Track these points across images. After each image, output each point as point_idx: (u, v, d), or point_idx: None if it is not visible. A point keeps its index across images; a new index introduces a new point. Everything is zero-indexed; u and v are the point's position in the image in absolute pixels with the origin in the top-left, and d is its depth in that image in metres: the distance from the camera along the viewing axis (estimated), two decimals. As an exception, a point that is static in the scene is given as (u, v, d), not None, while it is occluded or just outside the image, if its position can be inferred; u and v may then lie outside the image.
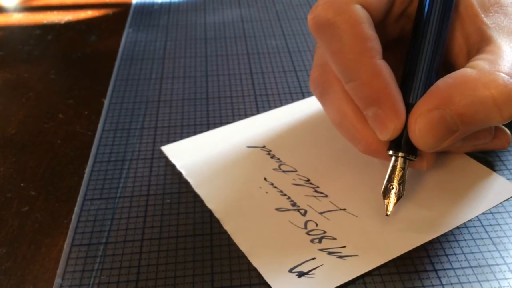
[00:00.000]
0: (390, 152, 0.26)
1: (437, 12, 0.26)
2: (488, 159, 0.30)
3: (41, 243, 0.27)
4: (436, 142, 0.25)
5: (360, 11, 0.25)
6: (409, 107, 0.25)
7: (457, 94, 0.24)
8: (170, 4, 0.53)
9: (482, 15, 0.26)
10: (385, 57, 0.26)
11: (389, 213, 0.26)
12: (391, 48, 0.28)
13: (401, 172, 0.26)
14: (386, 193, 0.26)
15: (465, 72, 0.24)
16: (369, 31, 0.25)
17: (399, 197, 0.26)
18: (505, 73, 0.24)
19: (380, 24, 0.27)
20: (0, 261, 0.26)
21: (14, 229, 0.28)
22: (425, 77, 0.26)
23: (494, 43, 0.25)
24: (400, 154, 0.26)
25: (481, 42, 0.26)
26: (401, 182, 0.26)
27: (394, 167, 0.26)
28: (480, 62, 0.24)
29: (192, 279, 0.24)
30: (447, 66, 0.28)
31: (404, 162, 0.26)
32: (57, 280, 0.25)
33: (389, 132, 0.25)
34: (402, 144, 0.26)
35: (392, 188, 0.26)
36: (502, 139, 0.29)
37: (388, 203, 0.26)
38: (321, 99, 0.29)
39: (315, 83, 0.29)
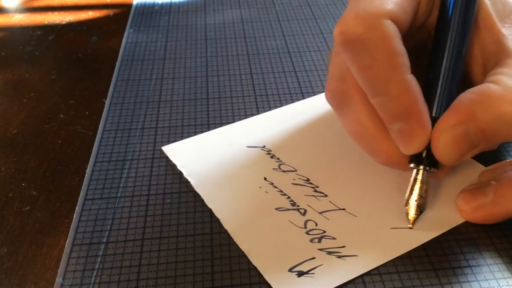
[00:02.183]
0: (412, 165, 0.26)
1: (459, 22, 0.26)
2: (487, 159, 0.31)
3: (42, 242, 0.28)
4: (458, 156, 0.25)
5: (391, 27, 0.25)
6: (432, 120, 0.25)
7: (481, 110, 0.24)
8: (170, 5, 0.53)
9: (499, 26, 0.26)
10: None
11: (411, 225, 0.26)
12: (410, 58, 0.28)
13: (423, 185, 0.26)
14: (409, 206, 0.26)
15: (489, 87, 0.24)
16: (400, 46, 0.25)
17: (422, 210, 0.26)
18: None
19: (402, 36, 0.27)
20: (1, 260, 0.27)
21: (15, 228, 0.28)
22: (448, 91, 0.26)
23: None
24: (421, 167, 0.26)
25: (498, 54, 0.26)
26: (424, 195, 0.26)
27: (415, 179, 0.26)
28: (503, 78, 0.24)
29: (192, 279, 0.25)
30: (463, 76, 0.28)
31: (426, 175, 0.26)
32: (58, 280, 0.25)
33: (415, 147, 0.25)
34: (424, 157, 0.26)
35: (416, 200, 0.26)
36: None
37: (412, 215, 0.26)
38: (338, 110, 0.29)
39: (333, 93, 0.29)
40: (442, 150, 0.25)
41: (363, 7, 0.25)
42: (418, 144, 0.25)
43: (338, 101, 0.28)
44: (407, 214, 0.26)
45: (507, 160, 0.28)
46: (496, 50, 0.26)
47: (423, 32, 0.29)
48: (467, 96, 0.24)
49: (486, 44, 0.27)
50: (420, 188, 0.26)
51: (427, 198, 0.26)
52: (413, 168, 0.26)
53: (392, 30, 0.25)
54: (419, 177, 0.26)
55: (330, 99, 0.29)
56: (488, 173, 0.28)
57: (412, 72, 0.26)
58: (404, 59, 0.25)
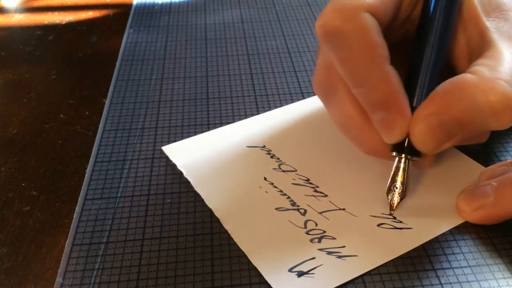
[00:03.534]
0: (394, 154, 0.27)
1: (441, 15, 0.27)
2: (487, 159, 0.31)
3: (42, 242, 0.28)
4: (435, 145, 0.25)
5: (368, 19, 0.25)
6: (413, 110, 0.26)
7: (456, 100, 0.24)
8: (170, 4, 0.53)
9: (484, 19, 0.27)
10: (391, 59, 0.26)
11: (393, 212, 0.27)
12: (394, 50, 0.29)
13: (404, 173, 0.27)
14: (390, 193, 0.27)
15: (465, 77, 0.24)
16: (378, 38, 0.25)
17: (402, 197, 0.27)
18: (504, 80, 0.24)
19: (386, 28, 0.27)
20: (1, 260, 0.27)
21: (15, 228, 0.28)
22: (428, 81, 0.26)
23: (495, 48, 0.25)
24: (403, 155, 0.26)
25: (482, 46, 0.26)
26: (404, 182, 0.27)
27: (397, 167, 0.27)
28: (480, 68, 0.25)
29: (192, 278, 0.25)
30: (449, 68, 0.28)
31: (407, 163, 0.27)
32: (58, 279, 0.25)
33: (396, 135, 0.26)
34: (405, 146, 0.26)
35: (396, 188, 0.27)
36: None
37: (392, 202, 0.27)
38: (325, 101, 0.30)
39: (319, 85, 0.29)
40: (418, 139, 0.25)
41: (342, 1, 0.26)
42: (398, 132, 0.26)
43: (324, 92, 0.29)
44: (389, 201, 0.27)
45: (507, 160, 0.28)
46: (480, 43, 0.26)
47: (410, 25, 0.29)
48: (443, 86, 0.25)
49: (471, 36, 0.27)
50: (402, 176, 0.27)
51: (408, 186, 0.27)
52: (395, 157, 0.27)
53: (370, 22, 0.25)
54: (401, 165, 0.27)
55: (317, 91, 0.30)
56: (488, 173, 0.28)
57: (401, 64, 0.26)
58: (382, 51, 0.25)
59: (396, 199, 0.27)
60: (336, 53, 0.26)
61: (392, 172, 0.27)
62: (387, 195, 0.27)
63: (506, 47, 0.25)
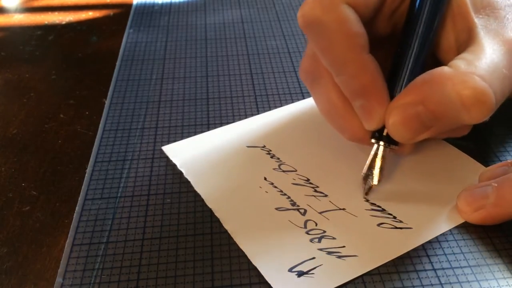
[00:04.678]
0: (373, 140, 0.28)
1: (427, 9, 0.27)
2: (487, 159, 0.31)
3: (42, 242, 0.28)
4: (410, 135, 0.26)
5: (346, 10, 0.26)
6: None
7: (431, 92, 0.25)
8: (170, 4, 0.53)
9: (473, 15, 0.27)
10: (379, 52, 0.27)
11: (367, 196, 0.28)
12: (385, 44, 0.29)
13: (382, 160, 0.28)
14: (366, 178, 0.28)
15: (442, 70, 0.25)
16: (356, 28, 0.26)
17: (379, 179, 0.28)
18: (478, 75, 0.24)
19: (372, 21, 0.28)
20: (1, 260, 0.27)
21: (15, 228, 0.28)
22: (410, 72, 0.27)
23: (478, 43, 0.26)
24: (381, 143, 0.27)
25: (468, 41, 0.26)
26: (381, 169, 0.27)
27: (375, 154, 0.28)
28: (458, 61, 0.25)
29: (192, 278, 0.25)
30: (438, 62, 0.28)
31: (386, 151, 0.27)
32: (58, 279, 0.25)
33: (374, 122, 0.27)
34: (384, 133, 0.27)
35: (372, 174, 0.28)
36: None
37: (368, 187, 0.28)
38: (311, 88, 0.31)
39: (306, 72, 0.30)
40: (392, 127, 0.26)
41: None
42: (377, 119, 0.26)
43: (310, 79, 0.30)
44: (364, 186, 0.28)
45: (508, 160, 0.28)
46: (467, 38, 0.27)
47: (398, 19, 0.29)
48: (421, 77, 0.25)
49: (460, 32, 0.27)
50: (378, 162, 0.27)
51: (384, 172, 0.28)
52: (373, 143, 0.28)
53: (348, 13, 0.26)
54: (379, 152, 0.27)
55: (303, 78, 0.31)
56: (489, 174, 0.28)
57: (390, 57, 0.27)
58: (360, 40, 0.26)
59: (372, 182, 0.28)
60: (316, 42, 0.27)
61: (370, 158, 0.28)
62: (363, 180, 0.28)
63: (489, 44, 0.26)
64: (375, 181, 0.27)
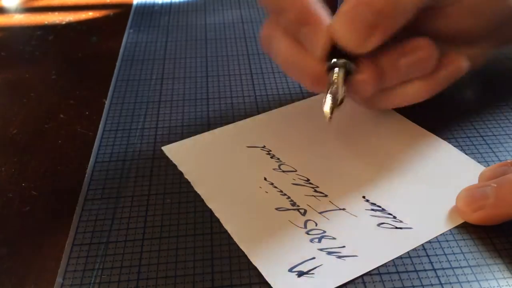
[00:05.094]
0: (328, 65, 0.27)
1: None
2: (487, 159, 0.31)
3: (42, 242, 0.28)
4: (358, 37, 0.26)
5: None
6: None
7: None
8: (170, 5, 0.53)
9: None
10: None
11: (330, 116, 0.26)
12: None
13: (339, 79, 0.26)
14: (325, 99, 0.26)
15: None
16: None
17: (340, 102, 0.26)
18: None
19: None
20: (1, 260, 0.27)
21: (15, 228, 0.28)
22: None
23: None
24: (334, 60, 0.27)
25: None
26: (340, 87, 0.26)
27: (332, 80, 0.26)
28: None
29: (192, 278, 0.25)
30: None
31: (342, 72, 0.27)
32: (58, 280, 0.25)
33: (319, 45, 0.27)
34: (336, 54, 0.27)
35: (330, 94, 0.26)
36: (453, 64, 0.30)
37: (328, 107, 0.26)
38: (269, 50, 0.31)
39: (263, 39, 0.31)
40: (339, 31, 0.26)
41: None
42: (322, 41, 0.27)
43: (267, 43, 0.31)
44: (324, 110, 0.26)
45: (508, 160, 0.28)
46: None
47: None
48: None
49: None
50: (338, 81, 0.26)
51: (343, 93, 0.26)
52: (329, 70, 0.27)
53: None
54: (336, 75, 0.27)
55: (263, 46, 0.32)
56: (488, 174, 0.28)
57: None
58: None
59: (329, 102, 0.26)
60: None
61: (327, 87, 0.27)
62: (323, 106, 0.26)
63: None
64: (338, 100, 0.26)
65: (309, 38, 0.28)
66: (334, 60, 0.27)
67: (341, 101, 0.26)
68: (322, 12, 0.27)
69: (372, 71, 0.28)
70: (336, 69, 0.27)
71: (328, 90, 0.27)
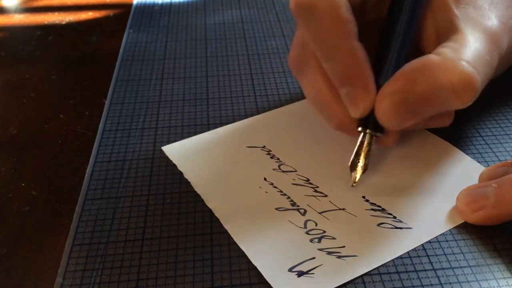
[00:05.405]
0: (359, 129, 0.28)
1: (410, 2, 0.28)
2: (487, 159, 0.31)
3: (42, 242, 0.28)
4: (398, 121, 0.27)
5: None
6: (379, 88, 0.27)
7: (419, 78, 0.25)
8: (170, 5, 0.53)
9: (454, 7, 0.28)
10: (363, 39, 0.27)
11: (354, 184, 0.29)
12: (370, 31, 0.30)
13: (368, 147, 0.28)
14: (353, 167, 0.28)
15: (429, 57, 0.26)
16: (347, 15, 0.26)
17: (364, 170, 0.28)
18: (466, 61, 0.25)
19: (359, 8, 0.29)
20: (1, 260, 0.27)
21: (15, 228, 0.28)
22: (395, 61, 0.28)
23: (460, 32, 0.27)
24: (367, 131, 0.28)
25: (449, 31, 0.27)
26: (367, 156, 0.28)
27: (361, 142, 0.28)
28: (445, 49, 0.26)
29: (192, 278, 0.25)
30: (418, 53, 0.29)
31: (371, 138, 0.28)
32: (58, 280, 0.25)
33: (360, 110, 0.27)
34: (370, 121, 0.28)
35: (359, 161, 0.28)
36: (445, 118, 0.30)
37: (355, 175, 0.28)
38: (298, 76, 0.31)
39: (294, 61, 0.31)
40: (383, 114, 0.27)
41: None
42: (363, 106, 0.27)
43: (297, 67, 0.31)
44: (351, 174, 0.28)
45: (508, 160, 0.28)
46: (448, 29, 0.28)
47: (383, 6, 0.30)
48: (409, 65, 0.26)
49: (440, 23, 0.28)
50: (364, 151, 0.28)
51: (369, 160, 0.28)
52: (360, 132, 0.28)
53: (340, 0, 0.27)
54: (365, 140, 0.28)
55: (291, 66, 0.31)
56: (489, 174, 0.28)
57: (374, 45, 0.28)
58: (351, 26, 0.26)
59: (358, 172, 0.28)
60: (308, 28, 0.27)
61: (356, 147, 0.28)
62: (350, 170, 0.28)
63: (470, 32, 0.27)
64: (363, 169, 0.28)
65: (352, 98, 0.27)
66: (369, 130, 0.28)
67: (366, 169, 0.28)
68: (371, 77, 0.27)
69: (396, 136, 0.29)
70: (367, 138, 0.28)
71: (356, 151, 0.28)
